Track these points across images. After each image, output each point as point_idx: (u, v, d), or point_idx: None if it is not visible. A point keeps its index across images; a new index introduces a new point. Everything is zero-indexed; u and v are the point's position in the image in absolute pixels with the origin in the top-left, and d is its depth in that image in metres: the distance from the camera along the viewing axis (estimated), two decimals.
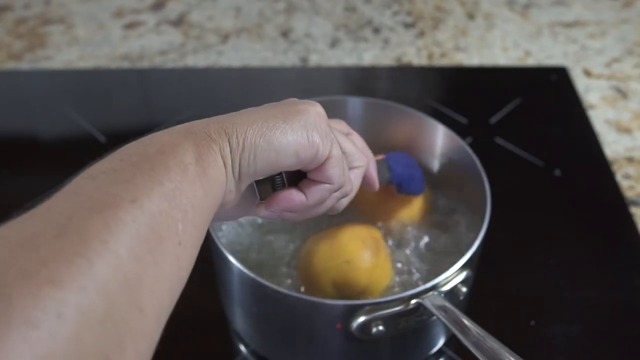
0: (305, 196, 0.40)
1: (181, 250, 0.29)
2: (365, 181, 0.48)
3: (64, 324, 0.22)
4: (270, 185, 0.40)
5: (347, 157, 0.44)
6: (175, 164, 0.30)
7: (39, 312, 0.21)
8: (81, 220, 0.25)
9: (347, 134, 0.46)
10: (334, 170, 0.39)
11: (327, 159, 0.39)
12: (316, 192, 0.40)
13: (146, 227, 0.27)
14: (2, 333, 0.20)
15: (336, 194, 0.42)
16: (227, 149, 0.34)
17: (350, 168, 0.44)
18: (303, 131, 0.37)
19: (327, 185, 0.40)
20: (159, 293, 0.27)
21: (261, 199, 0.41)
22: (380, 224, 0.57)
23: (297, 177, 0.41)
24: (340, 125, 0.47)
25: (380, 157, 0.55)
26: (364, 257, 0.51)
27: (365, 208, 0.57)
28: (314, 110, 0.38)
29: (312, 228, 0.56)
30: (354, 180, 0.44)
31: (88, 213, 0.25)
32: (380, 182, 0.50)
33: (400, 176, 0.54)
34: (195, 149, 0.32)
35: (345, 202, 0.44)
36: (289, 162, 0.37)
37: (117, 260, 0.25)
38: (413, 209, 0.58)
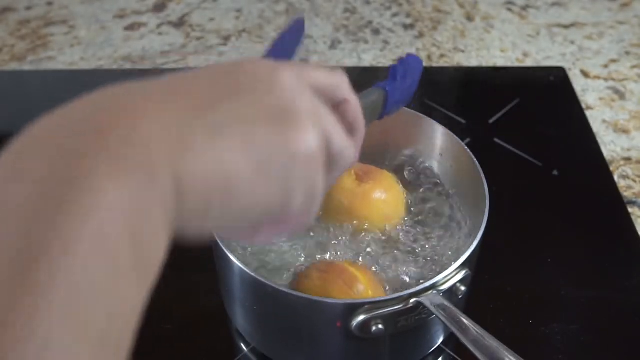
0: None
1: None
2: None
3: None
4: None
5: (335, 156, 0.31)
6: (98, 251, 0.19)
7: None
8: None
9: (338, 103, 0.34)
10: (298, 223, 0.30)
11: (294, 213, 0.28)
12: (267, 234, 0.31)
13: None
14: None
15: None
16: (173, 207, 0.23)
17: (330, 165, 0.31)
18: (282, 185, 0.26)
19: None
20: None
21: None
22: (385, 225, 0.57)
23: None
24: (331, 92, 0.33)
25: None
26: None
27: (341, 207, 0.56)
28: (307, 145, 0.26)
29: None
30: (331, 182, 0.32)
31: None
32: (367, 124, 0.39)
33: (390, 109, 0.48)
34: (129, 213, 0.20)
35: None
36: (244, 224, 0.28)
37: None
38: (392, 208, 0.57)
